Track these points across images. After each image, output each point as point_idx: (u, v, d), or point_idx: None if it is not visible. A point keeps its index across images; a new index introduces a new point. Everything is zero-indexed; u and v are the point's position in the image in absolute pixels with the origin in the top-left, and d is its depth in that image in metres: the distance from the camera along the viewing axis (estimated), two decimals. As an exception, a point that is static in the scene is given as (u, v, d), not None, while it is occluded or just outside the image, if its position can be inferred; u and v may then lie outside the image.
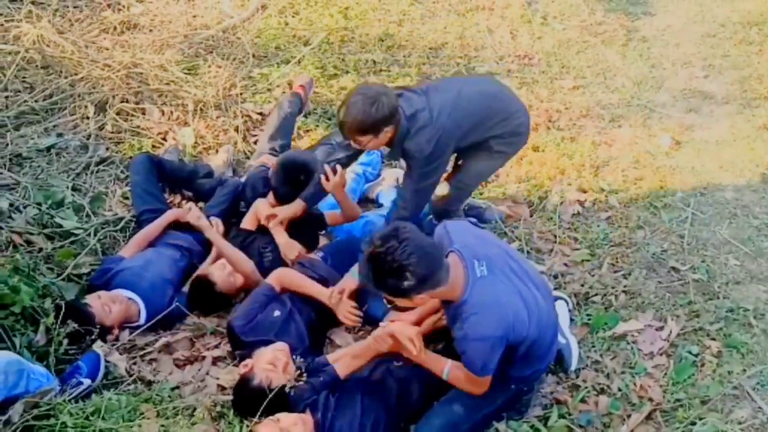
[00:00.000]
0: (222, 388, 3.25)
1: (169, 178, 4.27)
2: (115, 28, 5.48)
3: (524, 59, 5.85)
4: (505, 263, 2.93)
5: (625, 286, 3.86)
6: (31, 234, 3.73)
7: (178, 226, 3.92)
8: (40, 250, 3.66)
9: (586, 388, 3.35)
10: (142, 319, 3.47)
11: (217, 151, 4.62)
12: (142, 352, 3.37)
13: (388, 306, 3.49)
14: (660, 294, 3.82)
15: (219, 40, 5.61)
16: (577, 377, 3.41)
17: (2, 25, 5.22)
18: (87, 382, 3.06)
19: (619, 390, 3.34)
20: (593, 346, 3.56)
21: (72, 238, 3.82)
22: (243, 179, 4.25)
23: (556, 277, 3.93)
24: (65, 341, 3.16)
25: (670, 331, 3.58)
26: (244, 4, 6.11)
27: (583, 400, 3.30)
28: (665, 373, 3.41)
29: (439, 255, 2.74)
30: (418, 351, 3.05)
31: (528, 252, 4.08)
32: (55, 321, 3.17)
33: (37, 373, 2.92)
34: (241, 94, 5.03)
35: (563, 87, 5.50)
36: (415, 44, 5.99)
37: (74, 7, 5.53)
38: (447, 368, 3.05)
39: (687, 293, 3.79)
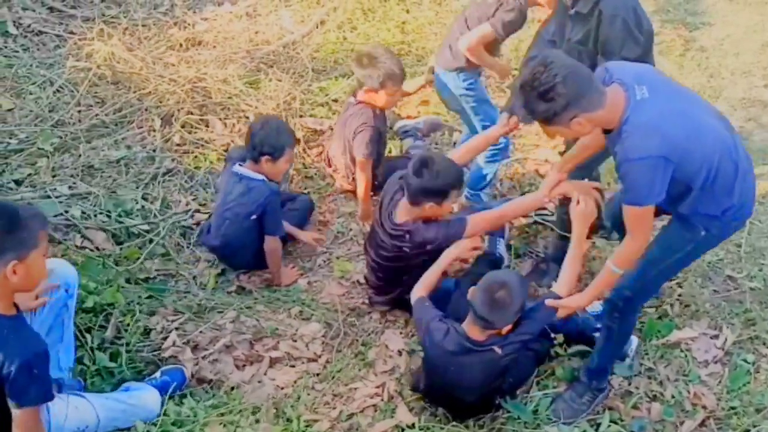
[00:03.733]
0: (280, 388, 3.36)
1: None
2: (180, 45, 5.68)
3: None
4: (670, 89, 2.79)
5: (679, 295, 3.84)
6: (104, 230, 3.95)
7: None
8: (109, 255, 3.85)
9: (639, 394, 3.35)
10: None
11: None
12: (203, 353, 3.50)
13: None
14: (715, 302, 3.80)
15: (279, 55, 5.77)
16: (630, 384, 3.42)
17: (76, 43, 5.48)
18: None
19: (673, 397, 3.34)
20: (646, 354, 3.55)
21: (140, 239, 4.02)
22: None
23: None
24: (133, 339, 3.33)
25: (725, 339, 3.56)
26: (304, 20, 6.26)
27: (635, 407, 3.31)
28: (720, 381, 3.40)
29: (588, 75, 2.66)
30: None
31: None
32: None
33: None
34: (300, 107, 5.18)
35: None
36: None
37: (143, 26, 5.76)
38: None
39: (743, 301, 3.77)
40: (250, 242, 3.92)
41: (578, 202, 3.16)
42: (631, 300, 3.10)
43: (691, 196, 2.78)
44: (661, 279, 3.20)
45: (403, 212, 3.53)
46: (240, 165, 3.93)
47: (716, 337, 3.61)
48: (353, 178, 4.47)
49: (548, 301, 3.16)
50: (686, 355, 3.53)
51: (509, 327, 3.14)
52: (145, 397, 3.07)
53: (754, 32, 6.26)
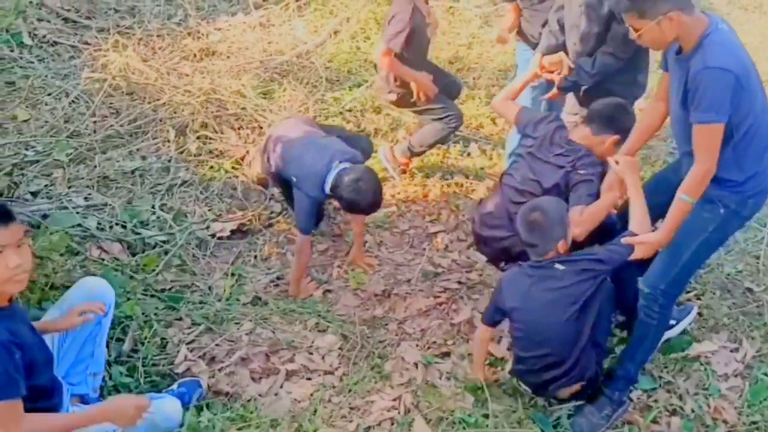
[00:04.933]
0: (296, 401, 3.35)
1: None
2: (195, 55, 5.70)
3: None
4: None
5: (698, 308, 3.82)
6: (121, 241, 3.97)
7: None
8: (126, 265, 3.85)
9: (658, 408, 3.33)
10: None
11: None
12: (220, 366, 3.49)
13: None
14: (734, 315, 3.78)
15: (293, 65, 5.78)
16: (649, 398, 3.39)
17: (91, 53, 5.50)
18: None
19: (692, 411, 3.32)
20: (665, 367, 3.53)
21: (155, 250, 4.02)
22: None
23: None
24: (151, 352, 3.33)
25: (746, 353, 3.54)
26: (318, 30, 6.28)
27: (654, 421, 3.29)
28: (740, 395, 3.37)
29: None
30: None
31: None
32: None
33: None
34: (314, 117, 5.18)
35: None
36: (485, 66, 6.06)
37: (157, 36, 5.78)
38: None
39: (762, 314, 3.74)
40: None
41: (616, 162, 3.28)
42: (667, 292, 3.14)
43: (723, 154, 2.81)
44: (692, 266, 3.18)
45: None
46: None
47: (736, 350, 3.59)
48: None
49: (625, 238, 3.15)
50: (706, 369, 3.50)
51: (566, 247, 3.22)
52: (165, 406, 3.04)
53: (769, 41, 6.24)
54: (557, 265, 3.20)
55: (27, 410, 2.43)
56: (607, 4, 3.64)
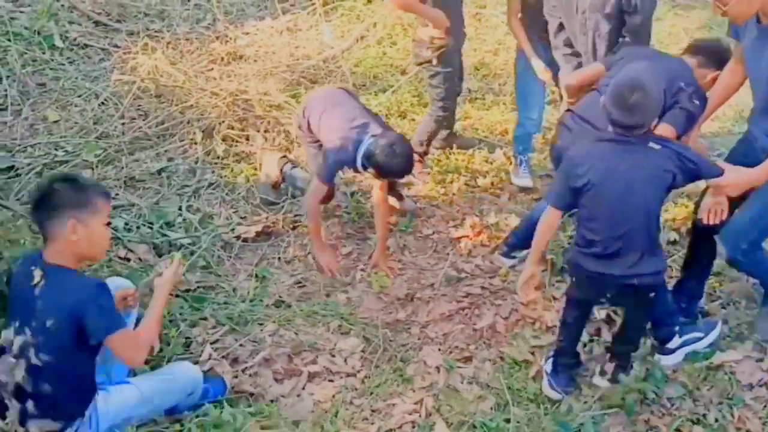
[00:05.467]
0: (319, 402, 3.37)
1: None
2: (222, 59, 5.77)
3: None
4: None
5: (723, 316, 3.79)
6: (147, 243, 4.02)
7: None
8: (152, 266, 3.90)
9: (681, 417, 3.30)
10: None
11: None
12: (243, 366, 3.52)
13: None
14: (760, 325, 3.74)
15: (320, 70, 5.83)
16: (672, 406, 3.37)
17: (120, 56, 5.58)
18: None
19: (716, 421, 3.28)
20: (689, 376, 3.50)
21: (181, 251, 4.05)
22: None
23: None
24: (177, 350, 3.38)
25: (771, 363, 3.51)
26: (344, 35, 6.32)
27: (678, 430, 3.25)
28: (765, 405, 3.33)
29: None
30: None
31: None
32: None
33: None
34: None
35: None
36: (510, 73, 6.02)
37: (185, 40, 5.85)
38: None
39: (788, 325, 3.70)
40: None
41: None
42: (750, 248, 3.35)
43: None
44: None
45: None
46: None
47: (761, 360, 3.54)
48: None
49: (721, 162, 3.13)
50: (730, 378, 3.46)
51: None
52: (182, 368, 3.14)
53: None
54: (652, 144, 3.04)
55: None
56: (611, 2, 3.72)
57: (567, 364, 3.46)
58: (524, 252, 3.98)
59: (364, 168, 3.99)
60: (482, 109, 5.72)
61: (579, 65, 4.13)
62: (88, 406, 2.79)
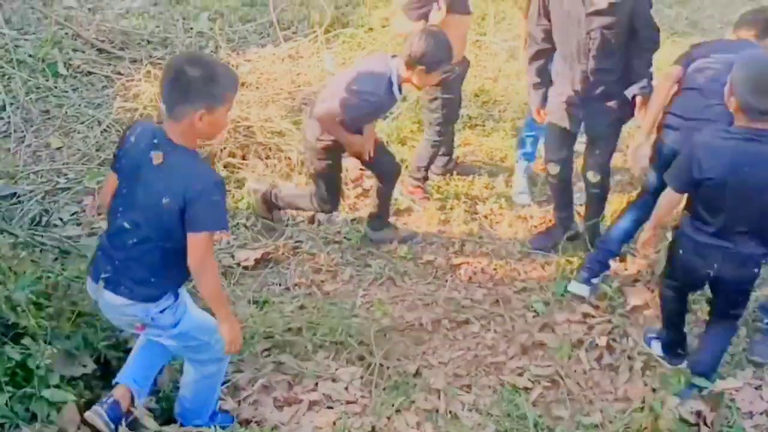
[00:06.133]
0: (318, 428, 3.36)
1: None
2: (224, 86, 5.79)
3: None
4: None
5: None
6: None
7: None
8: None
9: (682, 445, 3.29)
10: None
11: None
12: (245, 394, 3.51)
13: None
14: (760, 352, 3.74)
15: (321, 97, 5.86)
16: (672, 434, 3.36)
17: (123, 84, 5.63)
18: None
19: (717, 449, 3.28)
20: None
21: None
22: None
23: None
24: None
25: (771, 391, 3.50)
26: (345, 63, 6.37)
27: (679, 458, 3.25)
28: (765, 434, 3.33)
29: None
30: None
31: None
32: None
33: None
34: (341, 147, 5.24)
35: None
36: (510, 100, 6.11)
37: (188, 67, 5.89)
38: None
39: (789, 352, 3.70)
40: None
41: None
42: None
43: None
44: None
45: None
46: None
47: (760, 387, 3.55)
48: None
49: None
50: (731, 406, 3.46)
51: None
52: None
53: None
54: None
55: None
56: (596, 20, 3.75)
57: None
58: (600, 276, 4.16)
59: (399, 90, 4.02)
60: (482, 136, 5.74)
61: (545, 95, 4.20)
62: (180, 286, 2.91)
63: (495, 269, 4.44)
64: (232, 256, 4.37)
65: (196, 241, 2.67)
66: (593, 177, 4.25)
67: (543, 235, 4.66)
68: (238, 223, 4.62)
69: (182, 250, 2.70)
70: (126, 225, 2.72)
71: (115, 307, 2.83)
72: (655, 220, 3.46)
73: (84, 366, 3.16)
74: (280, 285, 4.27)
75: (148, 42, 6.34)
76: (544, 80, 4.19)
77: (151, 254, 2.74)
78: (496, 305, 4.19)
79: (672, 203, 3.36)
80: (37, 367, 2.92)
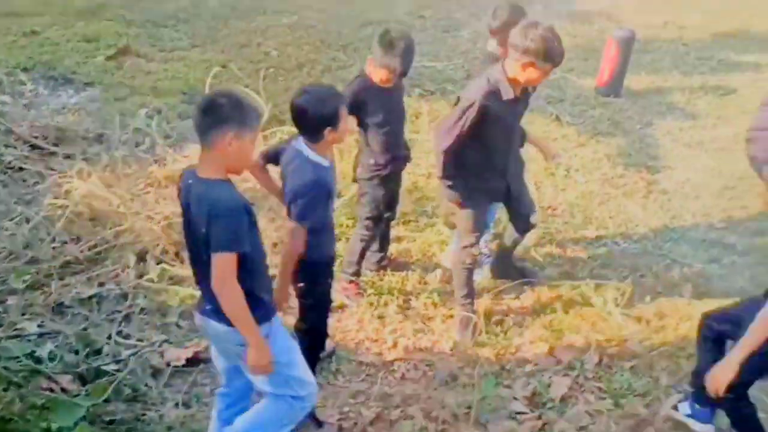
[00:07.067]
0: None
1: None
2: (159, 183, 5.81)
3: (548, 210, 6.06)
4: None
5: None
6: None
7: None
8: (76, 395, 3.80)
9: None
10: None
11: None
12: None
13: None
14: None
15: (257, 192, 5.90)
16: None
17: (56, 180, 5.59)
18: None
19: None
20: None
21: (107, 379, 3.96)
22: None
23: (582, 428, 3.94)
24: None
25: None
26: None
27: None
28: None
29: None
30: None
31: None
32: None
33: None
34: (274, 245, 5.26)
35: (586, 237, 5.67)
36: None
37: (123, 163, 5.90)
38: None
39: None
40: None
41: None
42: None
43: None
44: None
45: None
46: None
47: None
48: None
49: None
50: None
51: None
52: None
53: (712, 177, 6.55)
54: None
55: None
56: None
57: None
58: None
59: None
60: (416, 231, 5.84)
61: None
62: (264, 312, 3.09)
63: (428, 365, 4.44)
64: (162, 356, 4.29)
65: (214, 262, 2.84)
66: None
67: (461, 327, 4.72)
68: (170, 322, 4.55)
69: (241, 273, 2.89)
70: (204, 258, 2.90)
71: (219, 336, 3.10)
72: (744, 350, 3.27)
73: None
74: (207, 386, 4.18)
75: (83, 138, 6.34)
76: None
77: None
78: (429, 401, 4.17)
79: None
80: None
